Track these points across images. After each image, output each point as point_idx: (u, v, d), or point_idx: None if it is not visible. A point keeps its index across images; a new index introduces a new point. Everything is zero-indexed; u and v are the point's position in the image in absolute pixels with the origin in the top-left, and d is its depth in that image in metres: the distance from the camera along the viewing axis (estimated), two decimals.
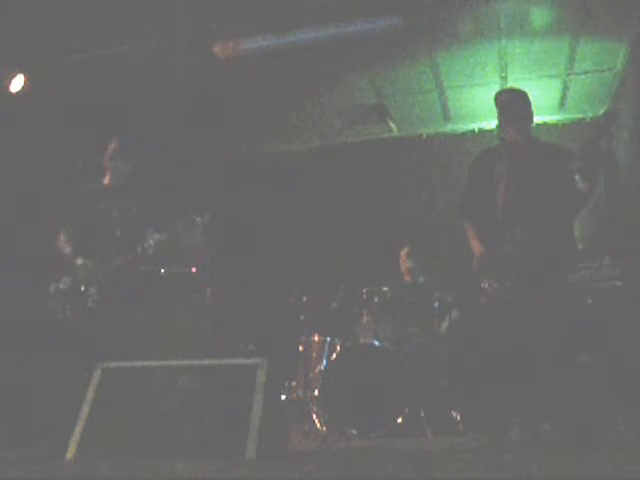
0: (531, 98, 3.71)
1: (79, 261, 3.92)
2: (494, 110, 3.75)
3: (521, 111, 3.66)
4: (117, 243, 3.96)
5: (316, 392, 4.99)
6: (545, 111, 6.67)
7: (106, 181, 4.16)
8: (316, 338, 5.40)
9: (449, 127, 7.17)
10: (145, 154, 4.29)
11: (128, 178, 4.14)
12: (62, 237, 4.06)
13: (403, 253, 5.80)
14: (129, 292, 3.92)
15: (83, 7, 4.86)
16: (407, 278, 5.82)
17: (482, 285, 3.52)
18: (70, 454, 3.15)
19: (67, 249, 4.02)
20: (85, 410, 3.27)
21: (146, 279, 4.24)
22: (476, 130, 7.03)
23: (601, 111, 6.66)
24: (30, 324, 4.55)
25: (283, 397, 5.24)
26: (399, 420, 4.53)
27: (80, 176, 4.38)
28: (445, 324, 5.48)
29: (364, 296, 5.29)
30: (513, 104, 3.67)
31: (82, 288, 3.83)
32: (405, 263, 5.75)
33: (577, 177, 3.40)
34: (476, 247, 3.64)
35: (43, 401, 4.19)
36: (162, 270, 5.60)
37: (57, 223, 4.10)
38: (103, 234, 3.99)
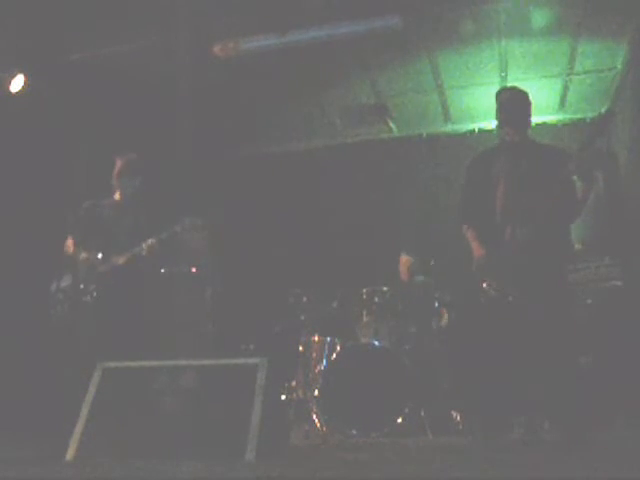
0: (531, 98, 3.71)
1: (82, 255, 4.01)
2: (494, 110, 3.75)
3: (521, 112, 3.66)
4: (120, 244, 4.06)
5: (316, 392, 4.99)
6: (545, 111, 6.67)
7: (117, 197, 4.31)
8: (316, 338, 5.39)
9: (449, 127, 7.17)
10: (150, 168, 4.37)
11: (137, 192, 4.29)
12: (70, 242, 4.14)
13: (402, 260, 5.79)
14: (128, 292, 3.95)
15: (83, 7, 4.86)
16: (404, 279, 5.80)
17: (482, 286, 3.52)
18: (70, 454, 3.14)
19: (72, 250, 4.10)
20: (85, 410, 3.27)
21: (146, 279, 4.26)
22: (476, 130, 7.02)
23: (601, 111, 6.65)
24: (32, 323, 4.56)
25: (283, 397, 5.23)
26: (399, 420, 4.53)
27: (83, 182, 4.47)
28: (445, 324, 5.48)
29: (364, 296, 5.29)
30: (513, 104, 3.66)
31: (81, 285, 3.87)
32: (404, 268, 5.73)
33: (575, 177, 3.41)
34: (476, 249, 3.63)
35: (43, 401, 4.19)
36: (162, 270, 5.59)
37: (65, 232, 4.19)
38: (108, 236, 4.12)
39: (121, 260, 3.98)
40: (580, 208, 3.53)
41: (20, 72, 5.31)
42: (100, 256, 3.99)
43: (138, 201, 4.29)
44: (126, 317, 3.88)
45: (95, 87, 5.45)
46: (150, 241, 3.99)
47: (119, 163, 4.26)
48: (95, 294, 3.88)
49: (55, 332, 3.93)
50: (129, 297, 3.98)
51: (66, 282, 3.95)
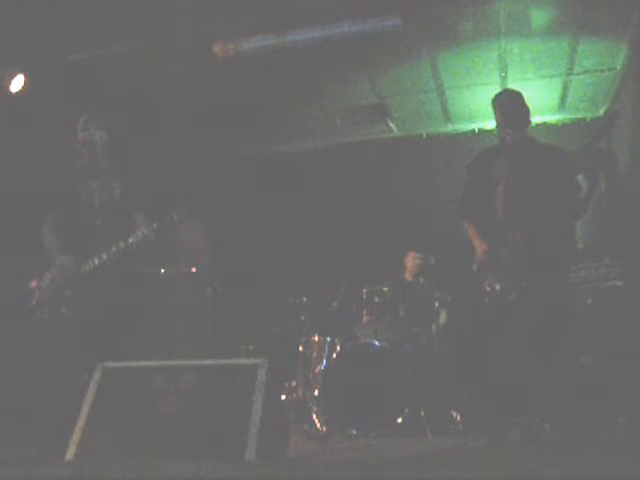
0: (530, 98, 3.71)
1: (58, 260, 3.82)
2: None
3: (519, 112, 3.67)
4: (97, 235, 3.84)
5: (316, 392, 4.99)
6: (545, 111, 6.67)
7: (86, 160, 4.01)
8: (316, 338, 5.40)
9: (449, 127, 7.17)
10: (118, 122, 4.16)
11: (106, 149, 4.01)
12: (46, 229, 3.97)
13: (411, 256, 5.79)
14: (111, 293, 3.76)
15: (83, 7, 4.86)
16: (409, 277, 5.82)
17: (483, 285, 3.52)
18: (70, 454, 3.14)
19: (49, 243, 3.93)
20: (85, 410, 3.27)
21: (142, 279, 4.19)
22: (476, 130, 7.03)
23: (601, 111, 6.66)
24: (17, 322, 4.47)
25: (283, 397, 5.24)
26: (399, 420, 4.53)
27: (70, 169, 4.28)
28: (445, 324, 5.48)
29: (364, 296, 5.29)
30: (511, 106, 3.67)
31: (58, 291, 3.74)
32: (414, 264, 5.74)
33: (579, 177, 3.41)
34: (478, 245, 3.63)
35: (43, 401, 4.18)
36: (162, 270, 5.60)
37: (41, 213, 4.01)
38: (83, 225, 3.88)
39: (100, 259, 3.74)
40: (584, 207, 3.53)
41: (20, 72, 5.31)
42: (76, 257, 3.78)
43: (111, 166, 4.01)
44: (119, 317, 3.76)
45: (95, 87, 5.45)
46: (143, 230, 3.77)
47: (83, 117, 4.04)
48: (71, 302, 3.71)
49: (42, 333, 3.85)
50: (115, 299, 3.77)
51: (45, 282, 3.78)
